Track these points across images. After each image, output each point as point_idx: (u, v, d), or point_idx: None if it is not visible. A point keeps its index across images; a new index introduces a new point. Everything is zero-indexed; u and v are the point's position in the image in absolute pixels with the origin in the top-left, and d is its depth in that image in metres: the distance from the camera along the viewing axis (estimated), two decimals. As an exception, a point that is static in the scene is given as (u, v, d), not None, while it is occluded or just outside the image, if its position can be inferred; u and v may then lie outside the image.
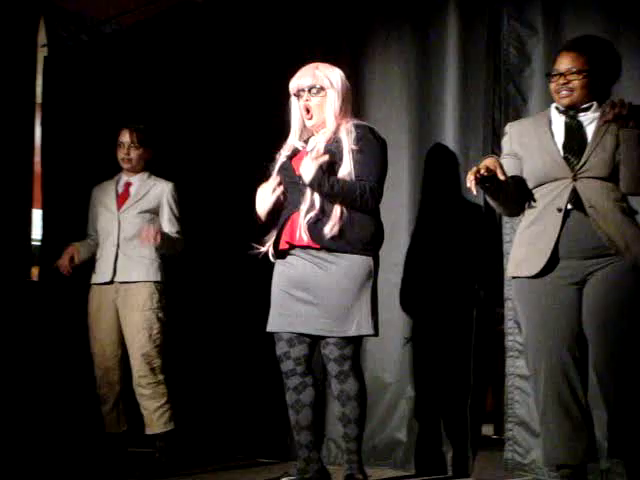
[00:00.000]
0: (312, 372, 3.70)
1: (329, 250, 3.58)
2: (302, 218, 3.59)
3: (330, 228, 3.54)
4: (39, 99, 5.63)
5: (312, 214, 3.57)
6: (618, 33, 3.81)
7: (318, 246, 3.58)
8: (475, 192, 3.17)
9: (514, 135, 3.43)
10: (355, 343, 3.63)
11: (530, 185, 3.34)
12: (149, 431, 4.31)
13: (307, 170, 3.55)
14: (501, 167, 3.19)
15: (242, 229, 4.77)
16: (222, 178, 4.94)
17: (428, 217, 4.33)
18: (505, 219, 4.04)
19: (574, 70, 3.26)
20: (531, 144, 3.34)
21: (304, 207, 3.59)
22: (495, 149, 4.10)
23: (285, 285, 3.66)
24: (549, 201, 3.25)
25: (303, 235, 3.59)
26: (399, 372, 4.31)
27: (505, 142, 3.48)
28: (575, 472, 3.25)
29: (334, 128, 3.65)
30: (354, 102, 4.52)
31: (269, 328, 3.69)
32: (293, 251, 3.65)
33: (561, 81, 3.29)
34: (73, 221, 4.87)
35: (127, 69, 5.32)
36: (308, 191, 3.60)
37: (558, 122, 3.33)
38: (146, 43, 5.29)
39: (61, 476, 4.18)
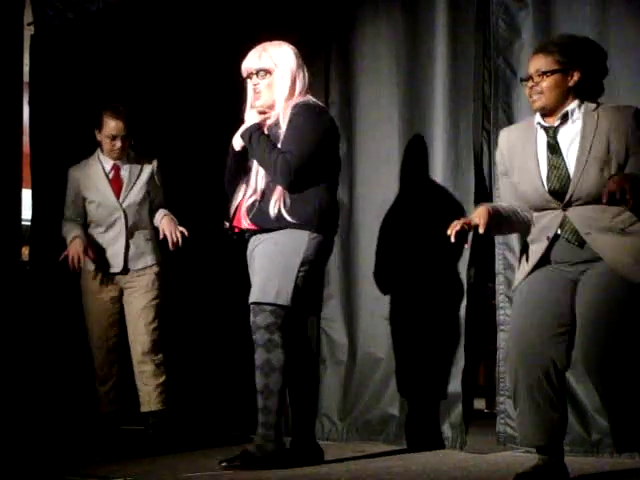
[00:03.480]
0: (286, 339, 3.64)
1: (268, 230, 3.62)
2: (244, 203, 3.67)
3: (273, 209, 3.58)
4: (26, 78, 5.59)
5: (253, 198, 3.64)
6: (608, 7, 3.81)
7: (257, 228, 3.65)
8: (453, 240, 3.11)
9: (504, 151, 3.34)
10: (270, 312, 3.58)
11: (520, 204, 3.30)
12: (145, 408, 4.32)
13: (247, 119, 3.66)
14: (488, 218, 3.14)
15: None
16: (210, 156, 4.91)
17: (419, 192, 4.33)
18: (496, 194, 4.04)
19: (541, 71, 3.18)
20: (519, 168, 3.26)
21: (249, 191, 3.67)
22: (485, 123, 4.10)
23: (248, 261, 3.76)
24: (542, 226, 3.22)
25: (243, 221, 3.68)
26: (391, 347, 4.32)
27: (497, 158, 3.41)
28: (547, 450, 3.19)
29: (282, 110, 3.65)
30: (343, 80, 4.57)
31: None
32: (247, 232, 3.72)
33: (530, 84, 3.22)
34: (62, 201, 4.85)
35: (114, 46, 5.29)
36: (252, 175, 3.67)
37: (542, 142, 3.23)
38: (132, 20, 5.26)
39: (54, 454, 4.18)
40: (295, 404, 3.75)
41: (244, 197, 3.71)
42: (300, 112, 3.61)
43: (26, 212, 5.48)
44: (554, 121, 3.21)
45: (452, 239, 3.11)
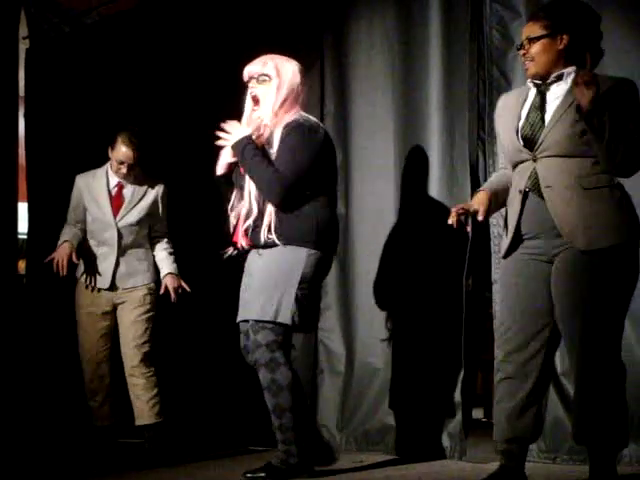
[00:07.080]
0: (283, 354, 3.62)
1: (266, 247, 3.61)
2: (240, 223, 3.65)
3: (266, 230, 3.57)
4: (22, 92, 5.60)
5: (250, 220, 3.62)
6: (603, 12, 3.82)
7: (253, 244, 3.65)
8: (455, 226, 3.19)
9: (499, 111, 3.39)
10: (271, 330, 3.57)
11: (508, 166, 3.32)
12: (140, 422, 4.31)
13: (238, 132, 3.63)
14: (488, 203, 3.22)
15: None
16: (208, 171, 4.91)
17: (415, 202, 4.34)
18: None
19: (529, 38, 3.19)
20: (505, 124, 3.30)
21: (243, 211, 3.65)
22: (480, 132, 4.11)
23: (244, 276, 3.74)
24: (516, 183, 3.24)
25: (241, 239, 3.67)
26: (389, 357, 4.32)
27: (495, 119, 3.44)
28: (513, 450, 3.21)
29: (272, 124, 3.62)
30: (339, 90, 4.58)
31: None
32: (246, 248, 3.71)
33: (522, 52, 3.24)
34: (59, 214, 4.84)
35: (110, 60, 5.30)
36: (245, 195, 3.64)
37: (531, 98, 3.26)
38: (128, 33, 5.27)
39: (51, 469, 4.17)
40: None
41: (241, 216, 3.69)
42: (292, 131, 3.58)
43: (22, 225, 5.48)
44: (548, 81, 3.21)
45: (454, 226, 3.16)
